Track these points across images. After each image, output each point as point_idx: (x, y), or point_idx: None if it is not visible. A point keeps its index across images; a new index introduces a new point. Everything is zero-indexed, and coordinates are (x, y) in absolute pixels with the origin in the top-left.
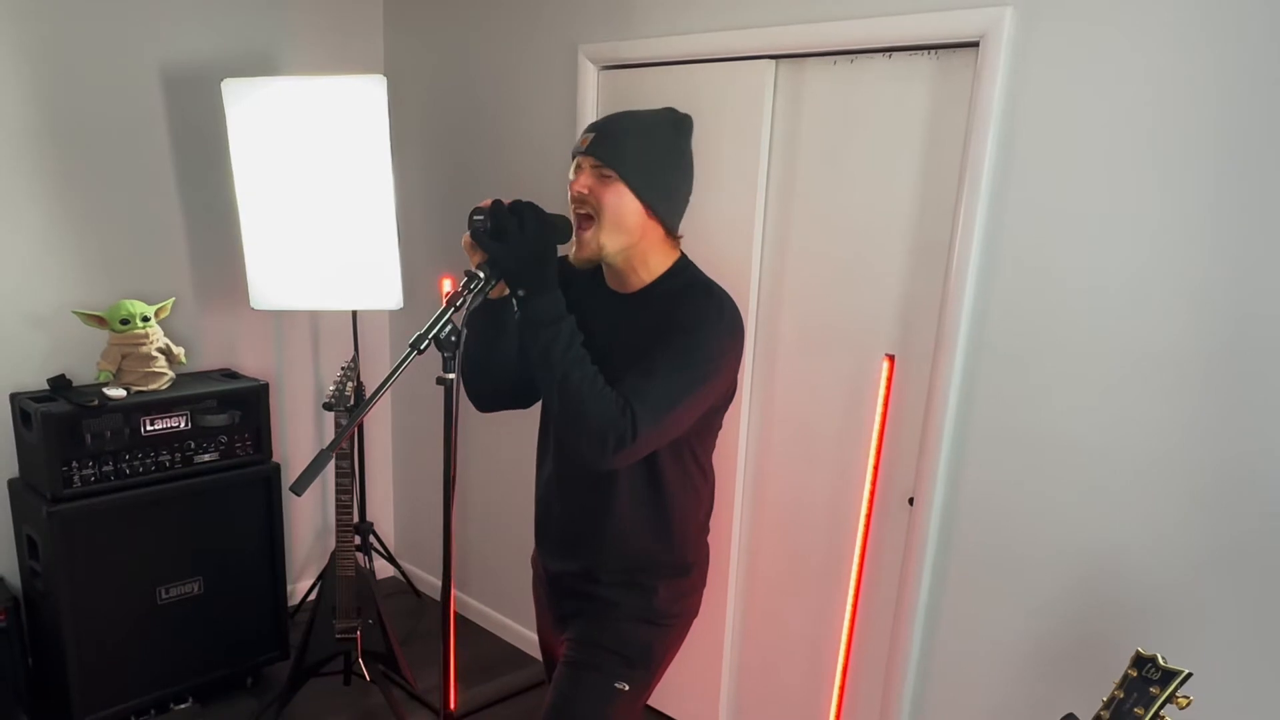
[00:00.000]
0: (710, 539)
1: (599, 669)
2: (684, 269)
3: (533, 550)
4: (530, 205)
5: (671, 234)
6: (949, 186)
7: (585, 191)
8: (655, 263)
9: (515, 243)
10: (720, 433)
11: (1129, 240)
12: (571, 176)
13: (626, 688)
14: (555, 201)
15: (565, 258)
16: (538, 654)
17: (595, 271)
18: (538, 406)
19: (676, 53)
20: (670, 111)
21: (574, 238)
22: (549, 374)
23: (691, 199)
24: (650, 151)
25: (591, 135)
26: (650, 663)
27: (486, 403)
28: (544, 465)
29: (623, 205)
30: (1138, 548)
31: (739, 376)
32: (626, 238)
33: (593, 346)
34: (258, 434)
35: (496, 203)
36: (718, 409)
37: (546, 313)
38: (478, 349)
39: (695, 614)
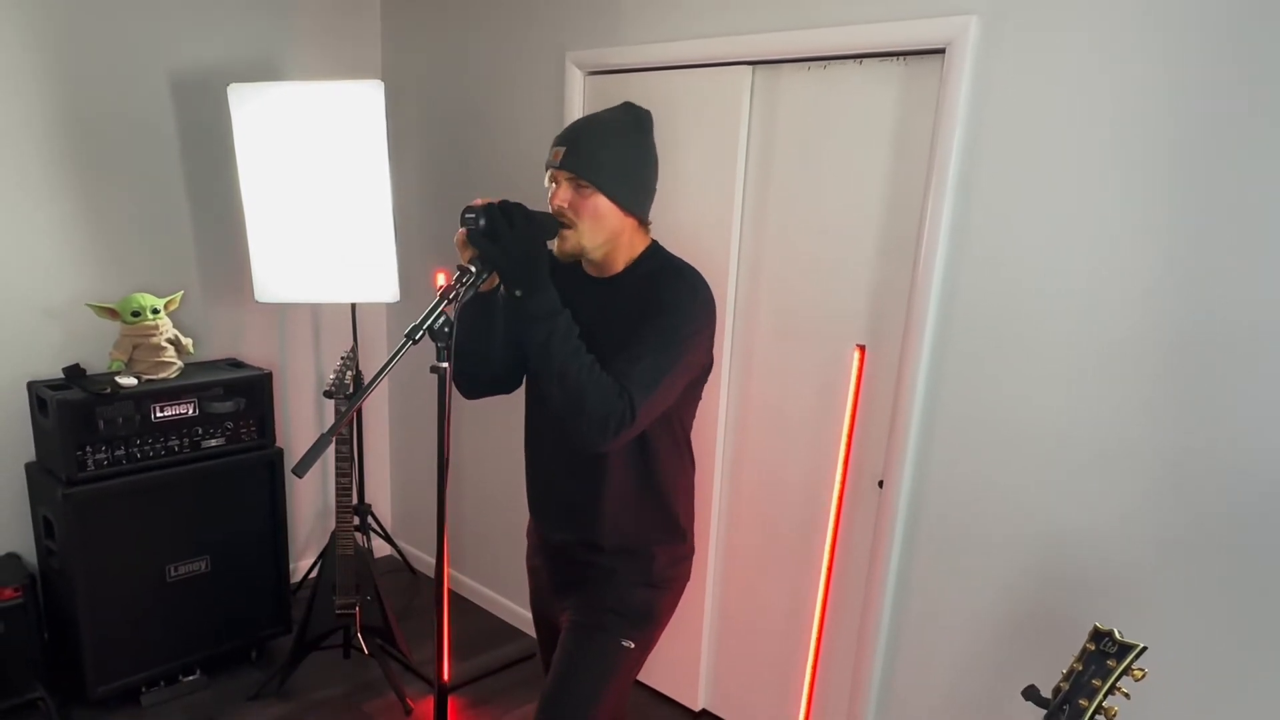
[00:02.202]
0: None
1: (605, 629)
2: (655, 253)
3: (528, 522)
4: (519, 206)
5: (644, 224)
6: (917, 186)
7: (565, 205)
8: (630, 250)
9: (508, 243)
10: (700, 418)
11: (1088, 238)
12: (548, 186)
13: (632, 645)
14: (543, 199)
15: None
16: (527, 628)
17: (575, 262)
18: (522, 389)
19: (659, 59)
20: (630, 108)
21: (557, 234)
22: (548, 366)
23: (674, 198)
24: (621, 156)
25: (563, 149)
26: (652, 622)
27: (473, 389)
28: (540, 443)
29: (601, 211)
30: (1096, 529)
31: (718, 358)
32: (606, 235)
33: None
34: (261, 420)
35: (490, 205)
36: (698, 380)
37: (542, 308)
38: (467, 339)
39: (687, 579)
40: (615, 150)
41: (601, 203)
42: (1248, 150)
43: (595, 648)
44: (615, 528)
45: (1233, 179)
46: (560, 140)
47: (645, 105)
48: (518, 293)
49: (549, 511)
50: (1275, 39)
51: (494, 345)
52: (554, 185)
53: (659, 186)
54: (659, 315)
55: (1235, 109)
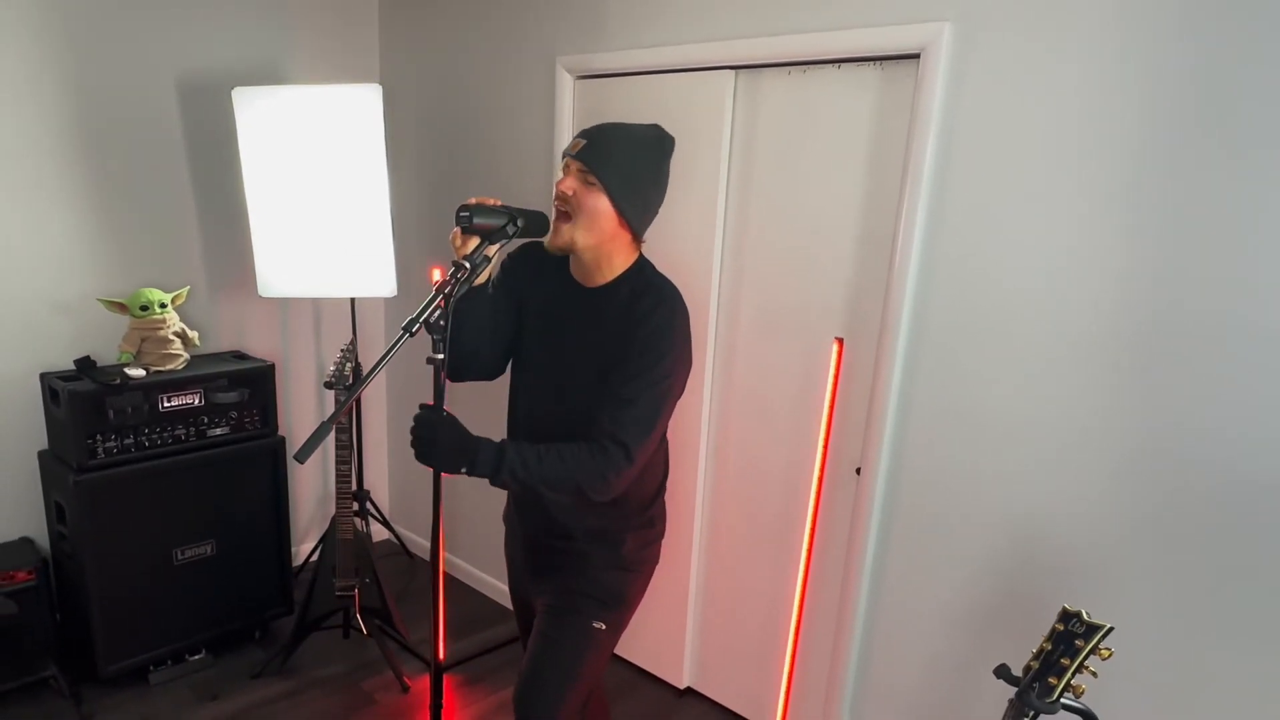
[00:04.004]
0: (676, 504)
1: (579, 612)
2: (640, 270)
3: (504, 508)
4: (432, 414)
5: (637, 240)
6: (893, 185)
7: (569, 193)
8: (618, 262)
9: (442, 451)
10: (685, 409)
11: (1056, 235)
12: (559, 175)
13: (603, 627)
14: (535, 198)
15: (541, 243)
16: None
17: (563, 264)
18: (506, 381)
19: (645, 64)
20: (657, 129)
21: (551, 227)
22: (532, 487)
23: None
24: (634, 166)
25: (584, 142)
26: (623, 603)
27: (460, 374)
28: (515, 433)
29: (599, 210)
30: (1064, 513)
31: (702, 352)
32: (598, 238)
33: (556, 334)
34: (265, 410)
35: (416, 422)
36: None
37: (490, 465)
38: (457, 329)
39: (657, 561)
40: (631, 159)
41: (602, 202)
42: (1210, 152)
43: (569, 630)
44: (588, 520)
45: (1195, 180)
46: (584, 133)
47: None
48: (464, 470)
49: (526, 504)
50: (1237, 45)
51: (482, 335)
52: (564, 173)
53: (661, 212)
54: (645, 351)
55: (1199, 112)
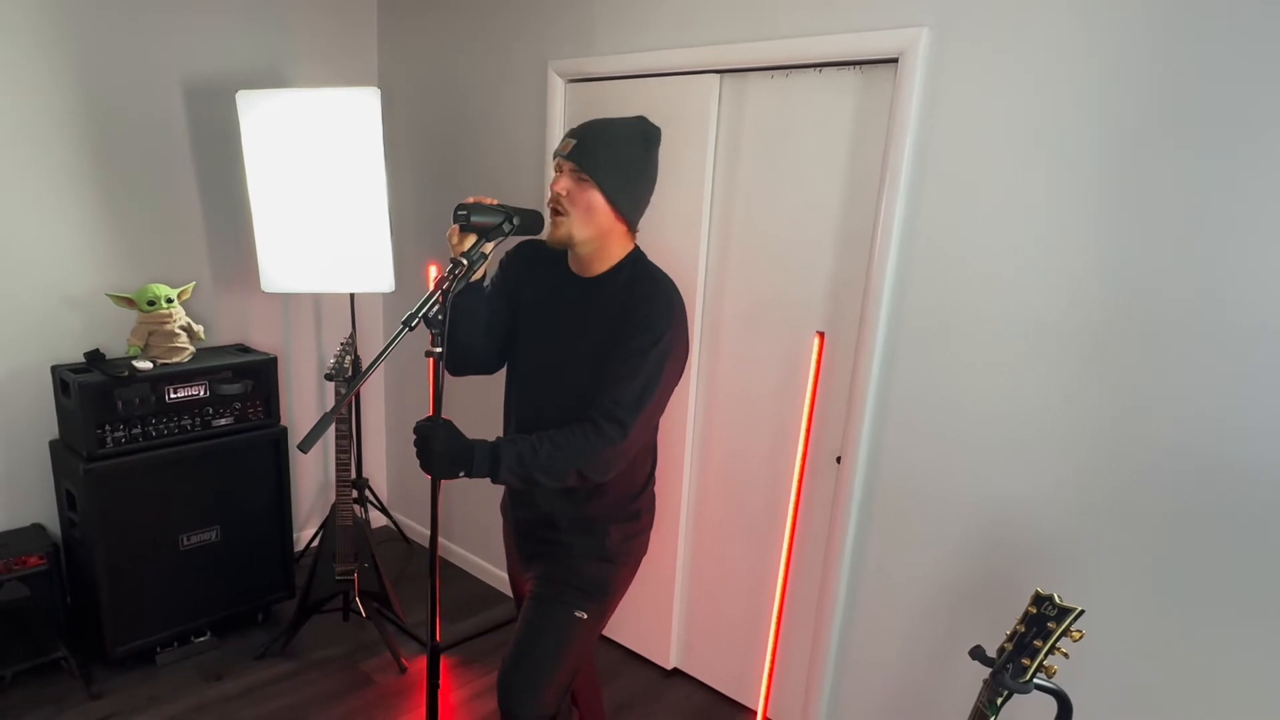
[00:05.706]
0: (663, 492)
1: (561, 601)
2: (636, 260)
3: (501, 499)
4: (433, 426)
5: (632, 230)
6: (872, 184)
7: (564, 194)
8: (615, 252)
9: (438, 459)
10: (672, 400)
11: (1025, 230)
12: (553, 175)
13: (585, 616)
14: (528, 197)
15: (536, 240)
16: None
17: (559, 259)
18: (502, 375)
19: (634, 68)
20: (643, 122)
21: (550, 222)
22: (535, 481)
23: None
24: (623, 162)
25: (573, 142)
26: (605, 595)
27: (460, 368)
28: (510, 427)
29: (594, 207)
30: (1036, 499)
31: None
32: (595, 231)
33: (553, 324)
34: (267, 401)
35: (416, 433)
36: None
37: (486, 466)
38: (455, 325)
39: (644, 552)
40: (620, 154)
41: (596, 198)
42: (1173, 150)
43: (552, 619)
44: (572, 509)
45: (1159, 177)
46: (572, 133)
47: (622, 110)
48: (462, 474)
49: (516, 495)
50: (1199, 49)
51: (478, 330)
52: (557, 173)
53: (648, 210)
54: (642, 332)
55: (1159, 115)
